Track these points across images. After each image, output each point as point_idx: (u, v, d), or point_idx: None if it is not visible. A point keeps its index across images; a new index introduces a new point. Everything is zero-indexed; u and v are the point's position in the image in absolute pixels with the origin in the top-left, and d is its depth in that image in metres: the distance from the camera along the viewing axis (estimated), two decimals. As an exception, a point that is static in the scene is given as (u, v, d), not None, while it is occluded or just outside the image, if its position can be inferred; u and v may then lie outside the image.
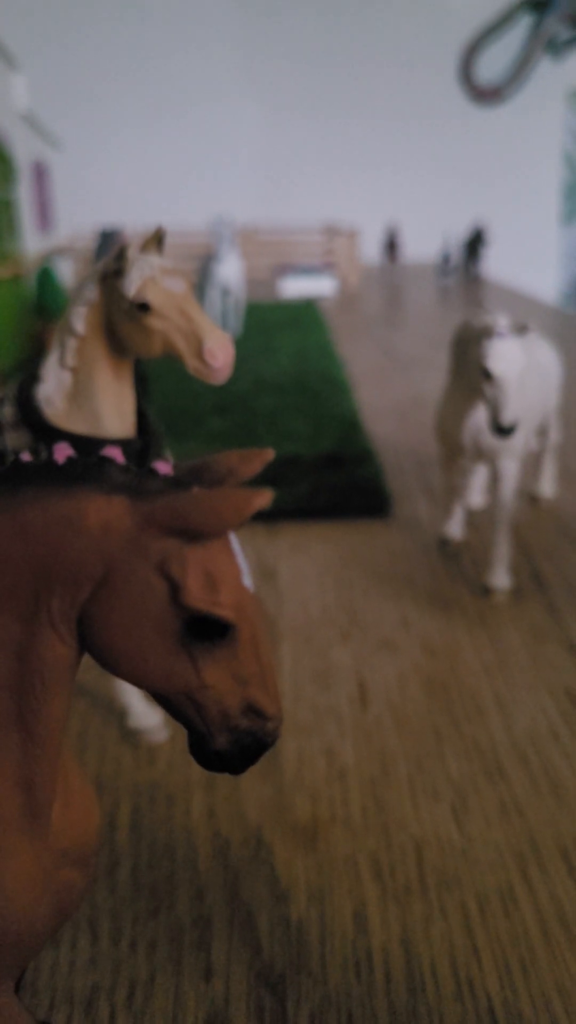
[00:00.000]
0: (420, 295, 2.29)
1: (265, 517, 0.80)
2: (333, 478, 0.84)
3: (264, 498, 0.30)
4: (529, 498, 0.82)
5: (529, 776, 0.48)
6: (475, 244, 2.43)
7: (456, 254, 2.69)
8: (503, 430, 0.59)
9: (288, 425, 1.01)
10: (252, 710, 0.33)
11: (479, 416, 0.64)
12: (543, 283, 3.09)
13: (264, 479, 0.85)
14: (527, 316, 1.92)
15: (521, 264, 3.04)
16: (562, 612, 0.62)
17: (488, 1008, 0.37)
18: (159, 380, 1.19)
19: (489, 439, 0.64)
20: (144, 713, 0.59)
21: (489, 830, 0.45)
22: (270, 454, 0.33)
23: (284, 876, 0.44)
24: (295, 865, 0.44)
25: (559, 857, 0.43)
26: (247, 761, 0.34)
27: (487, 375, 0.60)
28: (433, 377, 1.21)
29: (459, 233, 2.73)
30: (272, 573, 0.72)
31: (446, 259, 2.47)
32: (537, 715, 0.52)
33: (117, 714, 0.60)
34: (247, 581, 0.33)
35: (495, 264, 2.85)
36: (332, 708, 0.54)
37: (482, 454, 0.65)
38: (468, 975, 0.38)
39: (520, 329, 0.68)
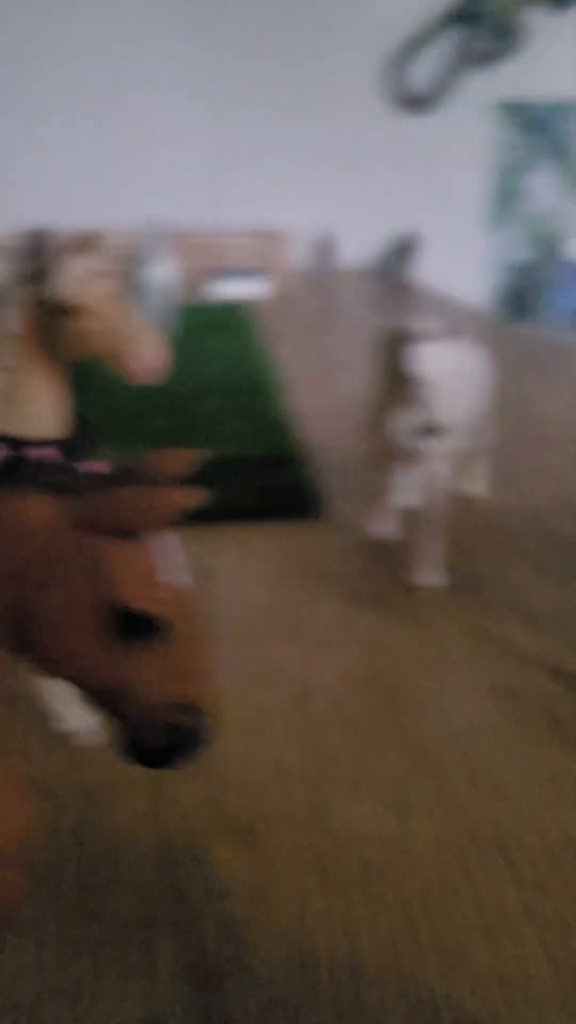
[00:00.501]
0: (354, 299, 2.31)
1: (204, 517, 0.80)
2: (271, 479, 0.84)
3: (193, 497, 0.31)
4: (464, 498, 0.84)
5: (468, 771, 0.49)
6: (405, 250, 2.46)
7: (388, 259, 2.72)
8: (432, 431, 0.60)
9: (228, 426, 1.01)
10: (187, 706, 0.33)
11: (409, 418, 0.65)
12: (472, 289, 3.15)
13: (203, 480, 0.85)
14: (457, 320, 1.96)
15: (451, 270, 3.09)
16: (497, 610, 0.64)
17: (431, 999, 0.37)
18: (102, 379, 1.18)
19: (419, 440, 0.65)
20: (78, 715, 0.58)
21: (430, 825, 0.46)
22: (200, 454, 0.33)
23: (227, 875, 0.44)
24: (238, 864, 0.44)
25: (497, 849, 0.44)
26: (182, 757, 0.34)
27: (415, 378, 0.61)
28: (364, 379, 1.23)
29: (391, 238, 2.77)
30: (211, 573, 0.72)
31: (379, 263, 2.50)
32: (475, 711, 0.53)
33: (51, 717, 0.59)
34: (183, 578, 0.34)
35: (427, 270, 2.90)
36: (275, 707, 0.54)
37: (413, 455, 0.66)
38: (412, 969, 0.39)
39: (448, 334, 0.69)
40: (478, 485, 0.81)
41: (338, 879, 0.43)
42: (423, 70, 2.93)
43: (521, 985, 0.37)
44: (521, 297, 3.15)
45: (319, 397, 1.25)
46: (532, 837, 0.44)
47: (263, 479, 0.85)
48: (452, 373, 0.62)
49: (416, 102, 2.93)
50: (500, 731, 0.51)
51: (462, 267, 3.06)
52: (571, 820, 0.45)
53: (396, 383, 0.64)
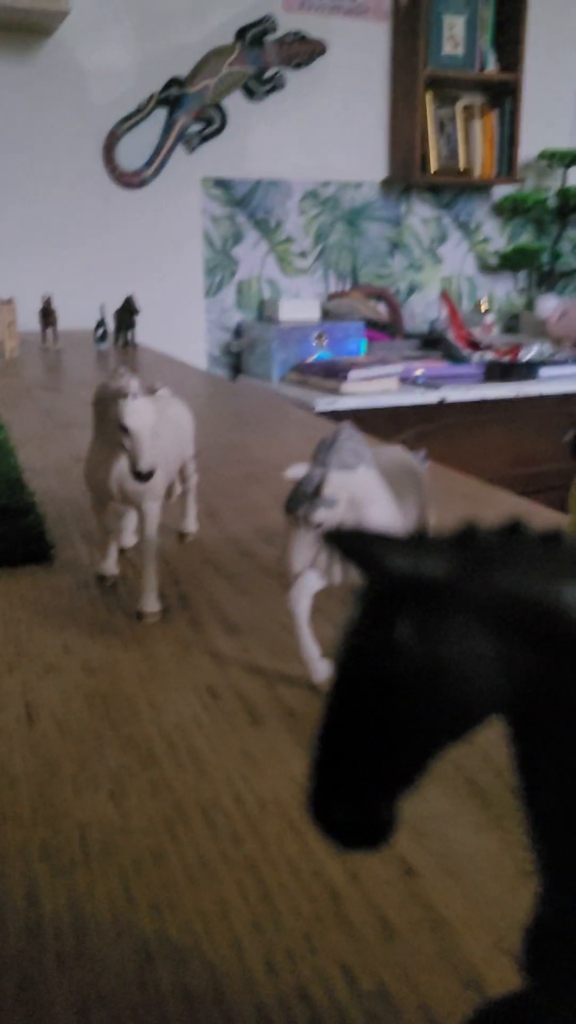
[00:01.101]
0: (78, 361, 2.37)
1: None
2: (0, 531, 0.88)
3: None
4: (177, 533, 0.93)
5: (176, 758, 0.56)
6: (125, 314, 2.57)
7: (109, 323, 2.82)
8: (141, 476, 0.68)
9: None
10: None
11: (122, 465, 0.72)
12: (192, 348, 3.32)
13: None
14: (176, 378, 2.08)
15: (172, 332, 3.25)
16: (204, 625, 0.73)
17: (142, 940, 0.44)
18: None
19: (132, 484, 0.72)
20: None
21: (143, 805, 0.53)
22: None
23: (-40, 876, 0.48)
24: (-29, 866, 0.49)
25: (200, 816, 0.52)
26: None
27: (124, 430, 0.68)
28: (89, 436, 1.30)
29: (113, 304, 2.87)
30: None
31: (100, 327, 2.59)
32: (183, 709, 0.61)
33: None
34: None
35: (151, 333, 3.02)
36: (1, 729, 0.59)
37: (127, 498, 0.74)
38: (127, 920, 0.45)
39: (150, 390, 0.78)
40: (188, 521, 0.90)
41: (62, 861, 0.49)
42: (135, 149, 3.10)
43: (220, 917, 0.45)
44: (237, 356, 3.37)
45: (47, 453, 1.30)
46: (228, 801, 0.52)
47: (-10, 532, 0.89)
48: (156, 423, 0.70)
49: (129, 177, 3.09)
50: (203, 722, 0.59)
51: (182, 329, 3.23)
52: (261, 784, 0.54)
53: (109, 434, 0.71)
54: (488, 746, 0.55)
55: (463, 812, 0.51)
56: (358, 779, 0.23)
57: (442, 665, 0.21)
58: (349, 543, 0.22)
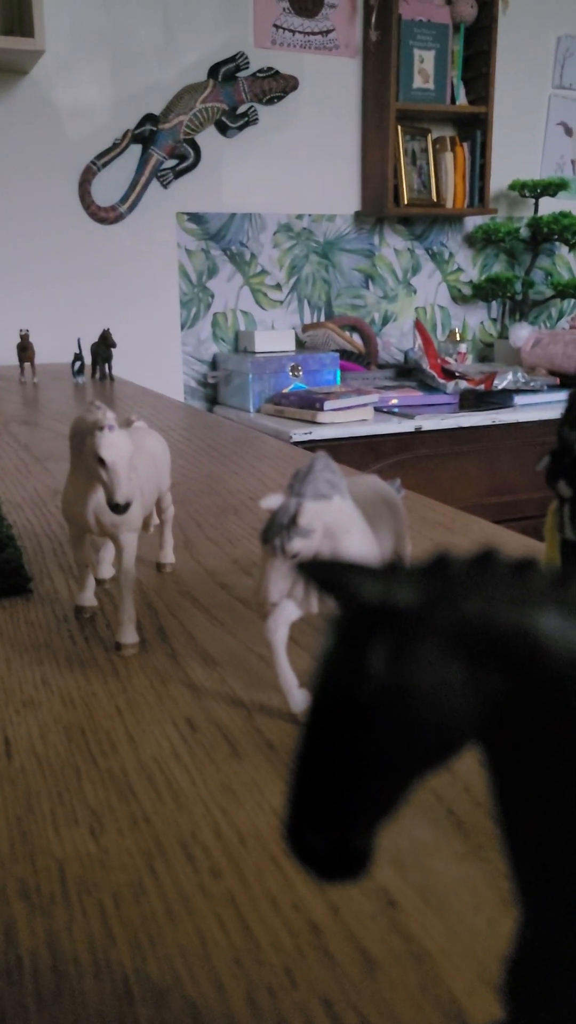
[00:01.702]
0: (55, 395, 2.37)
1: None
2: (-28, 566, 0.88)
3: None
4: (154, 565, 0.93)
5: (155, 791, 0.56)
6: (102, 347, 2.58)
7: (87, 357, 2.82)
8: (118, 508, 0.68)
9: None
10: None
11: (99, 497, 0.72)
12: (170, 380, 3.33)
13: None
14: (154, 410, 2.09)
15: (151, 365, 3.26)
16: (182, 657, 0.73)
17: (123, 977, 0.43)
18: None
19: (109, 516, 0.72)
20: None
21: (122, 840, 0.52)
22: None
23: None
24: (-52, 907, 0.48)
25: (180, 849, 0.51)
26: None
27: (101, 462, 0.68)
28: (67, 469, 1.30)
29: (90, 338, 2.88)
30: None
31: (77, 361, 2.59)
32: (162, 741, 0.61)
33: None
34: None
35: (128, 366, 3.03)
36: (-22, 768, 0.59)
37: (105, 530, 0.74)
38: (105, 956, 0.45)
39: (126, 422, 0.79)
40: (165, 553, 0.91)
41: (40, 899, 0.48)
42: (111, 184, 3.13)
43: (199, 952, 0.44)
44: (214, 387, 3.39)
45: (25, 487, 1.30)
46: (208, 834, 0.52)
47: (-34, 566, 0.88)
48: (132, 455, 0.70)
49: (104, 212, 3.12)
50: (182, 754, 0.59)
51: (159, 362, 3.25)
52: (240, 817, 0.54)
53: (86, 467, 0.71)
54: (468, 776, 0.56)
55: (444, 843, 0.51)
56: (334, 808, 0.23)
57: (414, 693, 0.21)
58: (321, 572, 0.22)
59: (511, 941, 0.28)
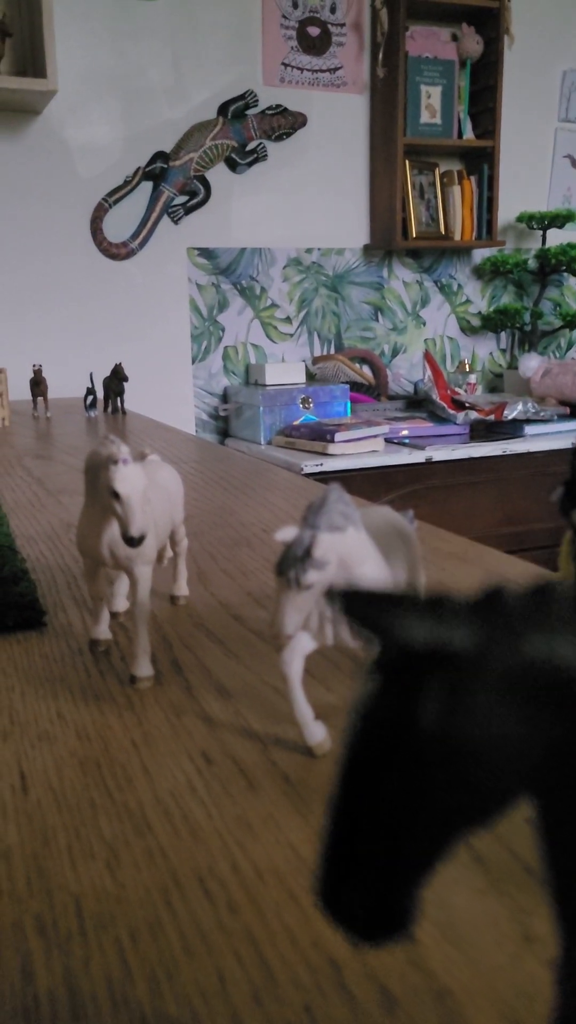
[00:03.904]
0: (68, 429, 2.39)
1: None
2: (-13, 599, 0.88)
3: None
4: (168, 597, 0.93)
5: (171, 825, 0.56)
6: (114, 381, 2.61)
7: (99, 391, 2.85)
8: (133, 541, 0.68)
9: None
10: None
11: (113, 531, 0.73)
12: (183, 414, 3.35)
13: None
14: (166, 443, 2.10)
15: (163, 399, 3.29)
16: (197, 689, 0.73)
17: (140, 1014, 0.43)
18: None
19: (123, 550, 0.73)
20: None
21: (139, 875, 0.52)
22: None
23: (-46, 957, 0.47)
24: (-35, 945, 0.48)
25: (197, 884, 0.51)
26: None
27: (115, 495, 0.68)
28: (80, 502, 1.31)
29: (102, 372, 2.90)
30: None
31: (89, 395, 2.62)
32: (178, 775, 0.61)
33: None
34: None
35: (140, 400, 3.06)
36: (-6, 802, 0.59)
37: (119, 563, 0.74)
38: (123, 993, 0.44)
39: (140, 455, 0.79)
40: (179, 585, 0.91)
41: (57, 935, 0.48)
42: (122, 221, 3.18)
43: (217, 989, 0.44)
44: (225, 420, 3.41)
45: (39, 520, 1.31)
46: (225, 869, 0.52)
47: (-19, 600, 0.89)
48: (145, 489, 0.71)
49: (116, 248, 3.16)
50: (197, 788, 0.59)
51: (170, 395, 3.27)
52: (257, 852, 0.53)
53: (100, 500, 0.72)
54: (485, 806, 0.55)
55: (463, 877, 0.50)
56: (375, 866, 0.21)
57: (467, 742, 0.20)
58: (361, 608, 0.20)
59: (553, 1001, 0.27)
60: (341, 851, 0.22)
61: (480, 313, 3.88)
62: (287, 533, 0.56)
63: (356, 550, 0.57)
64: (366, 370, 3.54)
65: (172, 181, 3.22)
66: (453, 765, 0.20)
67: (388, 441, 2.97)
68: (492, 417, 3.15)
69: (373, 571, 0.59)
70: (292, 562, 0.55)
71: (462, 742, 0.20)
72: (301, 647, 0.60)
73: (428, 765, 0.20)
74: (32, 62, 2.85)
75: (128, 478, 0.68)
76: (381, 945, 0.23)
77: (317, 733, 0.62)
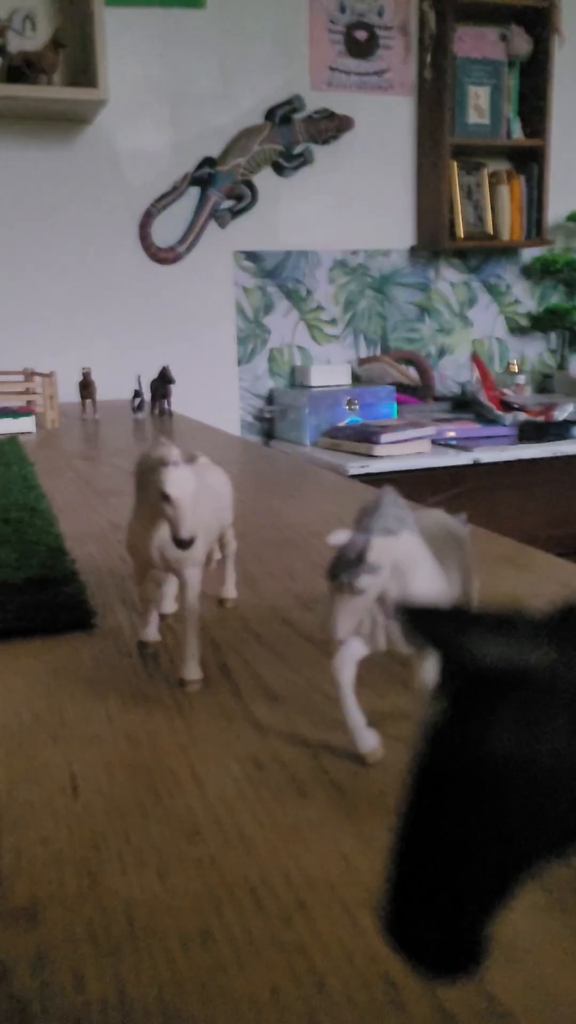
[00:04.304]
0: (116, 431, 2.41)
1: (-30, 642, 0.83)
2: (39, 599, 0.89)
3: None
4: (216, 600, 0.93)
5: (222, 832, 0.55)
6: (161, 383, 2.62)
7: (146, 393, 2.87)
8: (183, 543, 0.68)
9: (-10, 556, 1.04)
10: None
11: (163, 533, 0.73)
12: (227, 416, 3.36)
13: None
14: (211, 445, 2.10)
15: (208, 400, 3.30)
16: (246, 694, 0.72)
17: (193, 1028, 0.42)
18: None
19: (173, 552, 0.72)
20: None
21: (189, 883, 0.51)
22: None
23: (7, 955, 0.47)
24: (17, 944, 0.47)
25: (248, 894, 0.50)
26: None
27: (166, 498, 0.68)
28: (128, 503, 1.31)
29: (149, 374, 2.92)
30: (-19, 695, 0.75)
31: (137, 397, 2.63)
32: (227, 781, 0.60)
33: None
34: None
35: (186, 401, 3.07)
36: (45, 802, 0.58)
37: (168, 565, 0.74)
38: (175, 1004, 0.44)
39: (190, 458, 0.79)
40: (227, 588, 0.90)
41: (108, 941, 0.47)
42: (169, 226, 3.20)
43: (270, 1003, 0.43)
44: (270, 422, 3.40)
45: (87, 521, 1.32)
46: (277, 879, 0.51)
47: (32, 600, 0.89)
48: (196, 491, 0.70)
49: (163, 253, 3.18)
50: (247, 794, 0.58)
51: (216, 397, 3.28)
52: (309, 861, 0.52)
53: (150, 503, 0.72)
54: (544, 819, 0.53)
55: (522, 895, 0.49)
56: (446, 897, 0.21)
57: (545, 768, 0.19)
58: (430, 626, 0.19)
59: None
60: (409, 881, 0.21)
61: (529, 313, 3.83)
62: (340, 536, 0.55)
63: (410, 554, 0.56)
64: (412, 371, 3.51)
65: (219, 186, 3.23)
66: (527, 792, 0.19)
67: (434, 443, 2.94)
68: (541, 418, 3.10)
69: (427, 576, 0.57)
70: (345, 566, 0.54)
71: (537, 768, 0.19)
72: (353, 652, 0.59)
73: (500, 793, 0.19)
74: (84, 72, 2.88)
75: (179, 480, 0.68)
76: (451, 980, 0.22)
77: (369, 740, 0.60)
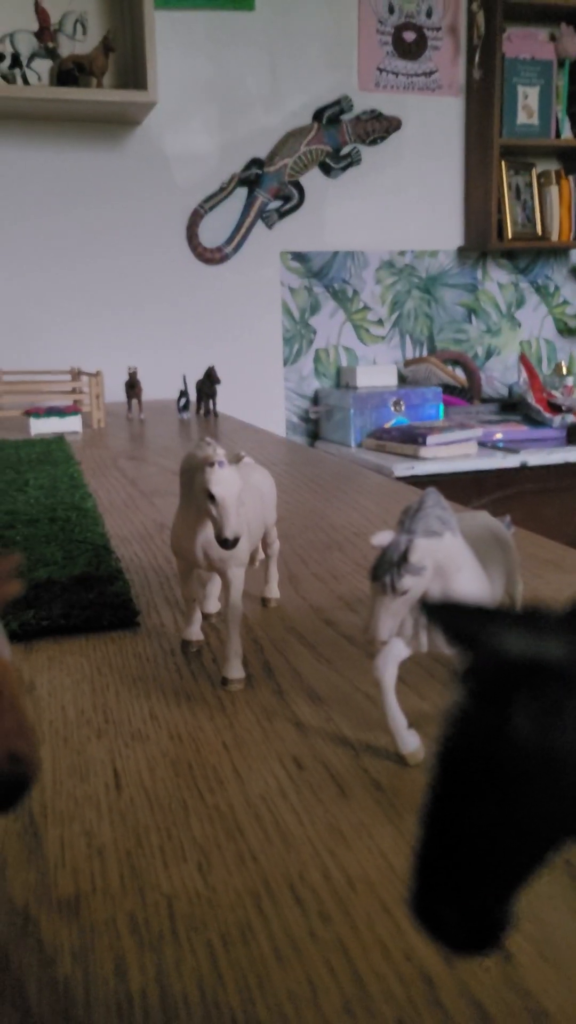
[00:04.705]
0: (161, 431, 2.43)
1: (22, 637, 0.85)
2: (85, 597, 0.90)
3: (14, 588, 0.37)
4: (260, 599, 0.93)
5: (262, 829, 0.56)
6: (207, 384, 2.64)
7: (192, 393, 2.89)
8: (227, 543, 0.69)
9: (41, 552, 1.06)
10: (14, 758, 0.38)
11: (207, 532, 0.73)
12: (272, 416, 3.37)
13: (20, 602, 0.90)
14: (257, 445, 2.11)
15: (254, 401, 3.31)
16: (288, 694, 0.72)
17: (231, 1019, 0.43)
18: None
19: (217, 551, 0.73)
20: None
21: (230, 878, 0.52)
22: (16, 559, 0.39)
23: (50, 944, 0.48)
24: (60, 934, 0.48)
25: (288, 891, 0.51)
26: (11, 800, 0.38)
27: (211, 497, 0.69)
28: (173, 503, 1.33)
29: (195, 374, 2.94)
30: (30, 686, 0.76)
31: (182, 398, 2.65)
32: (269, 779, 0.61)
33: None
34: (3, 650, 0.39)
35: (231, 402, 3.09)
36: (90, 796, 0.59)
37: (213, 565, 0.75)
38: (215, 997, 0.44)
39: (235, 458, 0.80)
40: (271, 588, 0.91)
41: (149, 934, 0.48)
42: (217, 226, 3.22)
43: (308, 998, 0.44)
44: (316, 422, 3.41)
45: (132, 521, 1.33)
46: (317, 877, 0.51)
47: (78, 598, 0.91)
48: (241, 491, 0.71)
49: (211, 254, 3.20)
50: (288, 793, 0.59)
51: (262, 398, 3.29)
52: (349, 860, 0.53)
53: (195, 502, 0.73)
54: (586, 825, 0.53)
55: (560, 894, 0.48)
56: (468, 878, 0.21)
57: (563, 756, 0.20)
58: (456, 621, 0.21)
59: None
60: (433, 862, 0.22)
61: (578, 315, 3.78)
62: (383, 537, 0.55)
63: (453, 556, 0.56)
64: (459, 372, 3.49)
65: (267, 187, 3.24)
66: (546, 776, 0.20)
67: (481, 445, 2.92)
68: (590, 421, 3.06)
69: (470, 578, 0.57)
70: (388, 567, 0.54)
71: (555, 753, 0.20)
72: (395, 653, 0.59)
73: (520, 776, 0.20)
74: (134, 75, 2.92)
75: (224, 480, 0.68)
76: (474, 956, 0.23)
77: (410, 741, 0.61)
